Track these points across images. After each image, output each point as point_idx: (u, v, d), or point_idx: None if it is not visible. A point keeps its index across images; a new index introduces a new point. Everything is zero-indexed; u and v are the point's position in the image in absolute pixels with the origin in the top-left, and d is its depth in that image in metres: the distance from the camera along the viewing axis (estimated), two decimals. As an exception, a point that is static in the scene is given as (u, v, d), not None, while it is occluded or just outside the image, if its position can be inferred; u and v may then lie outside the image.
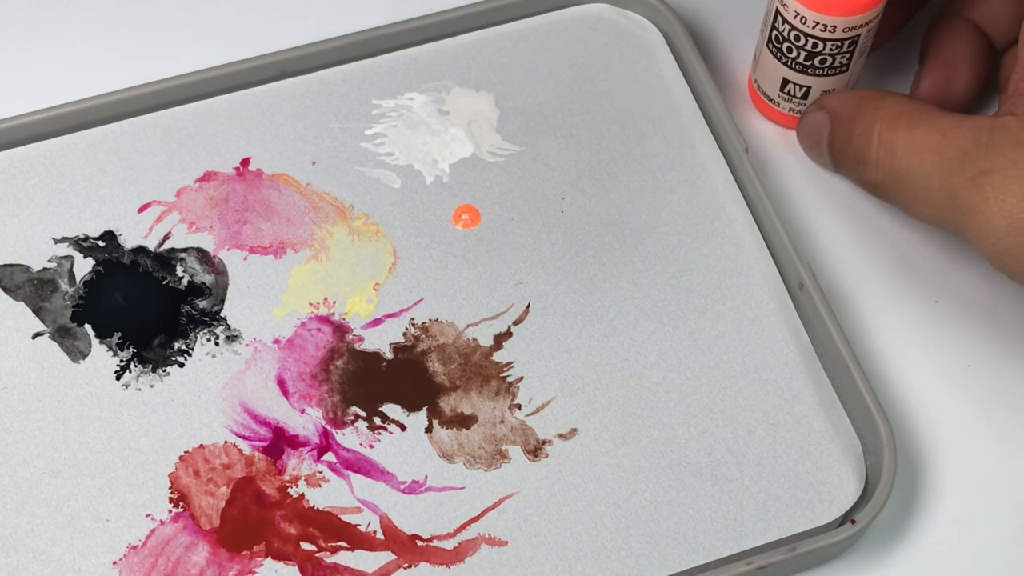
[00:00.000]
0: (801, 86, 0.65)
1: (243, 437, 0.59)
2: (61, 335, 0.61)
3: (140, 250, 0.63)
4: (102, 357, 0.61)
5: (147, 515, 0.57)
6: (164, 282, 0.62)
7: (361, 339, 0.61)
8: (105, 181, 0.65)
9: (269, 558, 0.57)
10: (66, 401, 0.60)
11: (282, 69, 0.67)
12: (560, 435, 0.59)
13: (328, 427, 0.59)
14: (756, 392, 0.60)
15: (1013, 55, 0.62)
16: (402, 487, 0.58)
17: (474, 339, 0.61)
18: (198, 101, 0.67)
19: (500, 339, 0.61)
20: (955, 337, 0.63)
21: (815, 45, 0.63)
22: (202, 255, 0.63)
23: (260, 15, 0.72)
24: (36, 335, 0.61)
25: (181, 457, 0.58)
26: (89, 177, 0.65)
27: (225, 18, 0.72)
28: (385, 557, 0.57)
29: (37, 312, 0.62)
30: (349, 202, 0.65)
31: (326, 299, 0.62)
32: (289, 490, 0.58)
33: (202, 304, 0.62)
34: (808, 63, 0.64)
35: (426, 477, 0.58)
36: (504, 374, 0.60)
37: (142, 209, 0.64)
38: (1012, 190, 0.54)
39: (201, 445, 0.59)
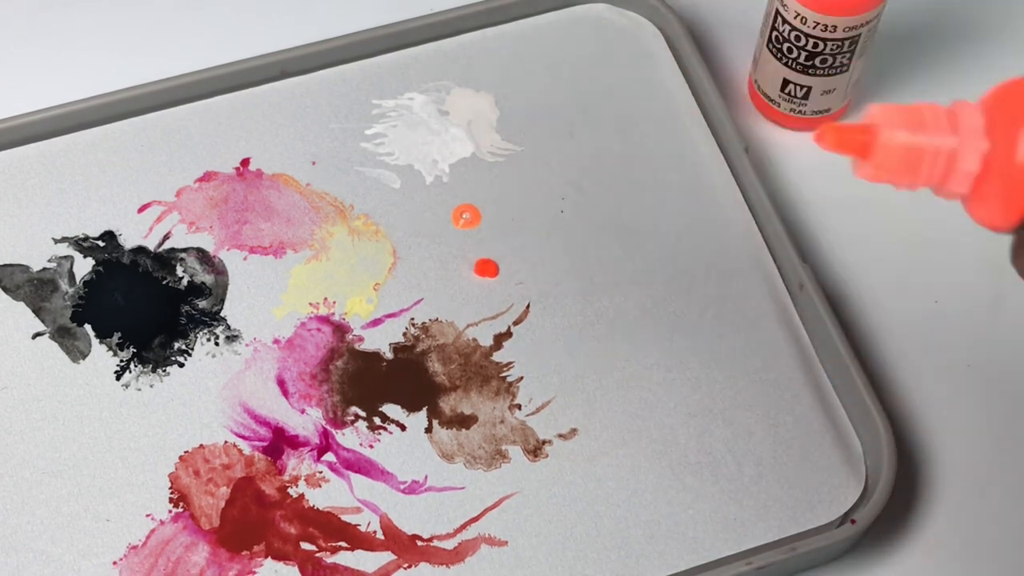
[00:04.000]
0: (801, 86, 0.65)
1: (243, 437, 0.59)
2: (61, 335, 0.61)
3: (140, 250, 0.63)
4: (102, 357, 0.61)
5: (147, 515, 0.57)
6: (164, 282, 0.62)
7: (361, 339, 0.61)
8: (105, 181, 0.65)
9: (269, 558, 0.56)
10: (66, 401, 0.59)
11: (282, 69, 0.67)
12: (560, 435, 0.59)
13: (328, 427, 0.59)
14: (756, 392, 0.60)
15: None
16: (402, 487, 0.58)
17: (474, 339, 0.61)
18: (198, 101, 0.67)
19: (500, 339, 0.61)
20: (955, 337, 0.63)
21: (816, 45, 0.63)
22: (202, 255, 0.63)
23: (260, 15, 0.72)
24: (36, 335, 0.61)
25: (181, 457, 0.58)
26: (89, 177, 0.65)
27: (225, 18, 0.71)
28: (385, 557, 0.57)
29: (37, 312, 0.61)
30: (349, 202, 0.65)
31: (326, 299, 0.62)
32: (289, 490, 0.58)
33: (202, 304, 0.62)
34: (809, 63, 0.64)
35: (426, 477, 0.58)
36: (504, 374, 0.60)
37: (142, 209, 0.64)
38: None
39: (201, 445, 0.59)
